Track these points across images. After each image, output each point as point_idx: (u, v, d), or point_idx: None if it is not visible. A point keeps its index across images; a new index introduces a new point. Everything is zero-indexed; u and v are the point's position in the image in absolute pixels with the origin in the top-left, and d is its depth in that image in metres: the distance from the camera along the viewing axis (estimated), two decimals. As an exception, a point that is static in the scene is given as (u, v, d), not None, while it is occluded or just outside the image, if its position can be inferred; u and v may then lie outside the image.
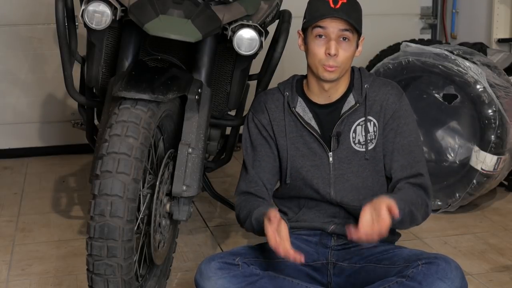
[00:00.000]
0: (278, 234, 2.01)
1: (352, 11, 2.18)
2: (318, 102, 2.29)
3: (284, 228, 2.03)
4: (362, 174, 2.28)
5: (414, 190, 2.24)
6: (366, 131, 2.27)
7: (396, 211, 1.97)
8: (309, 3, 2.25)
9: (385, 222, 1.97)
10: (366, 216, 1.99)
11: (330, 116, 2.28)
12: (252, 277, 2.11)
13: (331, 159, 2.28)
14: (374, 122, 2.28)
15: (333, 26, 2.16)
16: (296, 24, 2.77)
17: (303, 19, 2.24)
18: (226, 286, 2.07)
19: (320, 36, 2.18)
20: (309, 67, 2.26)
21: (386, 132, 2.28)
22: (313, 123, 2.29)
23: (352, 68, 2.33)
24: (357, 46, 2.23)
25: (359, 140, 2.28)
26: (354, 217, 2.28)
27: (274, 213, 2.05)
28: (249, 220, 2.24)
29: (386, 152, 2.29)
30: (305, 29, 2.24)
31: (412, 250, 2.23)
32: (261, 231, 2.14)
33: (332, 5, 2.16)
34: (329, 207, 2.31)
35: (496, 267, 2.82)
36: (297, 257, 2.00)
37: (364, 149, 2.27)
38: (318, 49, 2.18)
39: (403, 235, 2.52)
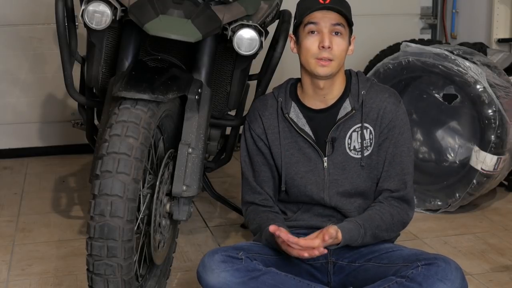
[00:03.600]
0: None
1: (342, 6, 2.20)
2: (313, 107, 2.29)
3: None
4: (356, 180, 2.28)
5: (389, 209, 2.26)
6: (362, 138, 2.27)
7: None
8: (297, 4, 2.27)
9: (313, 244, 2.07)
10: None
11: (325, 121, 2.28)
12: (255, 272, 2.11)
13: (325, 164, 2.28)
14: (370, 130, 2.28)
15: (325, 21, 2.17)
16: (296, 24, 2.76)
17: (294, 20, 2.25)
18: (228, 279, 2.08)
19: (312, 32, 2.19)
20: (302, 67, 2.26)
21: (380, 140, 2.28)
22: (307, 128, 2.29)
23: (350, 72, 2.33)
24: (349, 43, 2.24)
25: (354, 146, 2.28)
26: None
27: (283, 233, 2.12)
28: (258, 236, 2.28)
29: (379, 159, 2.30)
30: (296, 29, 2.24)
31: (411, 249, 2.24)
32: (273, 248, 2.23)
33: (321, 1, 2.18)
34: (325, 209, 2.32)
35: (496, 267, 2.82)
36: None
37: (359, 156, 2.27)
38: (311, 44, 2.19)
39: (403, 235, 2.52)
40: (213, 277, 2.09)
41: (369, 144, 2.28)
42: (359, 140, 2.27)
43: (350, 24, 2.22)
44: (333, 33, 2.18)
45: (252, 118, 2.36)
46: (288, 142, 2.31)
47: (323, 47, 2.16)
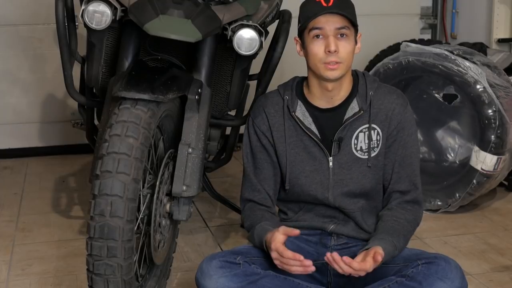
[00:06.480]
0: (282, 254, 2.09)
1: (345, 7, 2.19)
2: (320, 106, 2.28)
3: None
4: (361, 181, 2.28)
5: (406, 213, 2.26)
6: (370, 138, 2.27)
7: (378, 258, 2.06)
8: (301, 7, 2.25)
9: (366, 267, 2.05)
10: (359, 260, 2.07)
11: (331, 120, 2.27)
12: (253, 276, 2.11)
13: (331, 163, 2.27)
14: (378, 131, 2.27)
15: (329, 25, 2.16)
16: (296, 24, 2.77)
17: (298, 24, 2.25)
18: (227, 284, 2.07)
19: (317, 36, 2.18)
20: (310, 69, 2.25)
21: (389, 142, 2.28)
22: (313, 127, 2.28)
23: (356, 73, 2.32)
24: (356, 42, 2.23)
25: (361, 147, 2.27)
26: (352, 219, 2.30)
27: (279, 244, 2.11)
28: (251, 233, 2.27)
29: (387, 161, 2.29)
30: (301, 34, 2.24)
31: (412, 249, 2.24)
32: (261, 248, 2.21)
33: (324, 4, 2.16)
34: (328, 209, 2.32)
35: (496, 267, 2.82)
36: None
37: (366, 156, 2.27)
38: (318, 48, 2.18)
39: (403, 235, 2.52)
40: (211, 283, 2.08)
41: (376, 145, 2.28)
42: (366, 141, 2.27)
43: (354, 24, 2.21)
44: (339, 36, 2.18)
45: (257, 115, 2.35)
46: (293, 141, 2.30)
47: (329, 51, 2.16)
